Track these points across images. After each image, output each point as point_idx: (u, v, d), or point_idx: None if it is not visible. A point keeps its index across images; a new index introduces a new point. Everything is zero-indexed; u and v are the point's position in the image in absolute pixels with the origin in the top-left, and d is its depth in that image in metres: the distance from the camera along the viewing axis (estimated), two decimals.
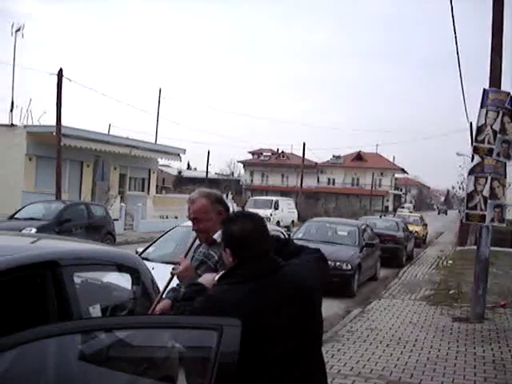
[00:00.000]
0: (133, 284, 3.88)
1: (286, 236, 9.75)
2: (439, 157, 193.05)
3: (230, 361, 2.01)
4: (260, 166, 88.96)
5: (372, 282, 15.17)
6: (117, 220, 23.32)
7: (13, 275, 2.86)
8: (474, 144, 9.93)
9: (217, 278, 2.79)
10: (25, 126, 25.97)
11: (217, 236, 3.04)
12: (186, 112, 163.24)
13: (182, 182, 72.88)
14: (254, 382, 2.32)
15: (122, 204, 27.52)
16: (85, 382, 2.48)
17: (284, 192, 70.94)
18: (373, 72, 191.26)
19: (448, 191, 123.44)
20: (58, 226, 16.14)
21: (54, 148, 22.63)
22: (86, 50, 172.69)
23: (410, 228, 25.19)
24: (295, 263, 2.60)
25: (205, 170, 57.90)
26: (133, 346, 2.46)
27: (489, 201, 9.69)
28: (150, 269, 4.18)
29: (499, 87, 10.18)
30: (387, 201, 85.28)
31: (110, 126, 47.15)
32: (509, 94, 9.82)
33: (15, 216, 17.22)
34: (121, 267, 3.84)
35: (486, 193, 9.69)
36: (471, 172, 9.94)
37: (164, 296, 3.14)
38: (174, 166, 70.83)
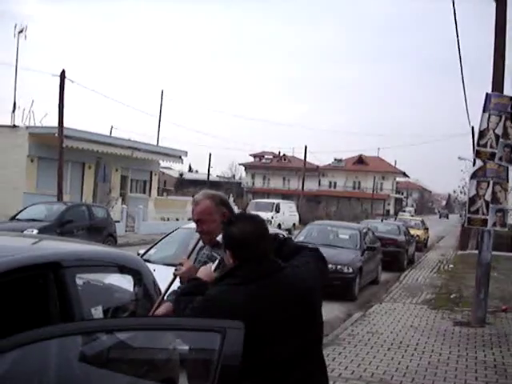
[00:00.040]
0: (135, 286, 3.88)
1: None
2: (441, 161, 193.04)
3: (233, 363, 2.00)
4: (261, 169, 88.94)
5: (373, 286, 15.15)
6: (118, 222, 23.33)
7: (15, 276, 2.86)
8: (476, 148, 9.91)
9: (213, 267, 2.80)
10: (27, 127, 25.99)
11: (220, 238, 3.03)
12: (187, 114, 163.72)
13: (183, 185, 72.81)
14: (253, 383, 2.32)
15: (124, 206, 27.53)
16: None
17: (285, 195, 70.90)
18: (375, 75, 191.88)
19: (449, 195, 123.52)
20: (60, 227, 16.15)
21: (55, 149, 22.65)
22: (89, 52, 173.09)
23: (412, 232, 25.14)
24: (295, 264, 2.60)
25: (206, 172, 57.83)
26: (134, 347, 2.46)
27: (491, 205, 9.68)
28: (152, 271, 4.18)
29: (502, 91, 10.17)
30: (388, 204, 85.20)
31: (111, 127, 47.41)
32: (511, 98, 9.82)
33: (17, 217, 17.23)
34: (123, 269, 3.84)
35: (487, 197, 9.68)
36: (473, 176, 9.93)
37: (166, 298, 3.13)
38: (175, 169, 70.82)
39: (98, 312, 3.40)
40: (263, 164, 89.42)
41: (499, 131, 9.61)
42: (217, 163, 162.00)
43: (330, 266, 10.75)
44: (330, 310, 9.95)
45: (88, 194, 28.20)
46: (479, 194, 9.74)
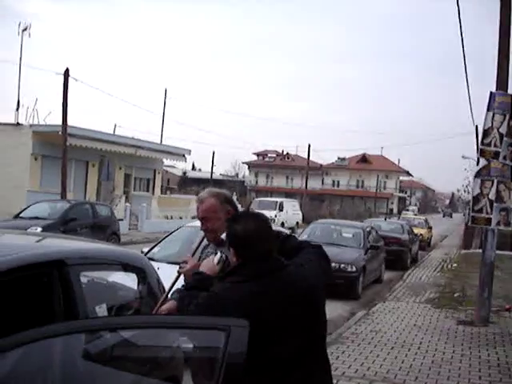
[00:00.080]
0: (139, 284, 3.89)
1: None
2: (444, 159, 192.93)
3: (238, 361, 2.00)
4: (265, 168, 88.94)
5: (376, 285, 15.14)
6: (122, 220, 23.36)
7: (19, 274, 2.87)
8: (480, 147, 9.89)
9: (216, 261, 2.80)
10: (31, 126, 26.04)
11: (225, 236, 3.03)
12: (191, 113, 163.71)
13: (186, 183, 72.94)
14: (254, 381, 2.32)
15: (127, 204, 27.56)
16: (90, 382, 2.47)
17: (289, 193, 70.93)
18: (378, 73, 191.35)
19: (453, 194, 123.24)
20: (63, 225, 16.16)
21: (59, 147, 22.68)
22: (92, 50, 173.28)
23: (415, 231, 25.11)
24: (298, 262, 2.60)
25: (210, 170, 57.87)
26: (138, 345, 2.46)
27: (495, 204, 9.66)
28: (156, 269, 4.18)
29: (506, 90, 10.14)
30: (392, 203, 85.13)
31: (115, 125, 47.35)
32: None
33: (20, 215, 17.25)
34: (127, 267, 3.84)
35: (491, 196, 9.66)
36: (477, 175, 9.90)
37: (169, 296, 3.13)
38: (178, 167, 70.98)
39: (102, 310, 3.40)
40: (266, 162, 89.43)
41: (503, 130, 9.60)
42: (220, 162, 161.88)
43: (333, 264, 10.77)
44: (333, 309, 9.94)
45: (91, 192, 28.25)
46: (483, 192, 9.72)
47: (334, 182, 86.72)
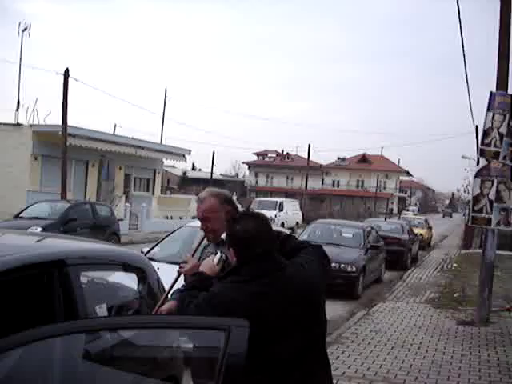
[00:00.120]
0: (139, 283, 3.89)
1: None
2: (444, 160, 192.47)
3: (238, 361, 2.00)
4: (265, 168, 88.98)
5: (376, 285, 15.14)
6: (122, 220, 23.36)
7: (19, 274, 2.87)
8: (480, 147, 9.90)
9: (216, 260, 2.80)
10: (31, 126, 26.01)
11: (225, 236, 3.03)
12: (191, 112, 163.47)
13: (186, 183, 72.94)
14: (254, 381, 2.32)
15: (127, 204, 27.56)
16: (90, 381, 2.48)
17: (288, 193, 70.88)
18: (378, 73, 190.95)
19: (453, 194, 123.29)
20: (63, 225, 16.17)
21: (59, 147, 22.67)
22: (92, 50, 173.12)
23: (415, 231, 25.10)
24: (298, 262, 2.60)
25: (210, 170, 57.87)
26: (138, 345, 2.46)
27: (495, 204, 9.66)
28: (156, 269, 4.18)
29: (506, 90, 10.14)
30: (392, 203, 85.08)
31: (115, 125, 47.27)
32: None
33: (20, 215, 17.25)
34: (127, 267, 3.85)
35: (491, 196, 9.66)
36: (477, 175, 9.90)
37: (169, 296, 3.13)
38: (178, 167, 70.88)
39: (102, 310, 3.40)
40: (266, 162, 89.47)
41: (503, 130, 9.60)
42: (220, 162, 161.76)
43: (333, 264, 10.79)
44: (333, 309, 9.95)
45: (91, 192, 28.22)
46: (483, 192, 9.72)
47: (333, 182, 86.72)
